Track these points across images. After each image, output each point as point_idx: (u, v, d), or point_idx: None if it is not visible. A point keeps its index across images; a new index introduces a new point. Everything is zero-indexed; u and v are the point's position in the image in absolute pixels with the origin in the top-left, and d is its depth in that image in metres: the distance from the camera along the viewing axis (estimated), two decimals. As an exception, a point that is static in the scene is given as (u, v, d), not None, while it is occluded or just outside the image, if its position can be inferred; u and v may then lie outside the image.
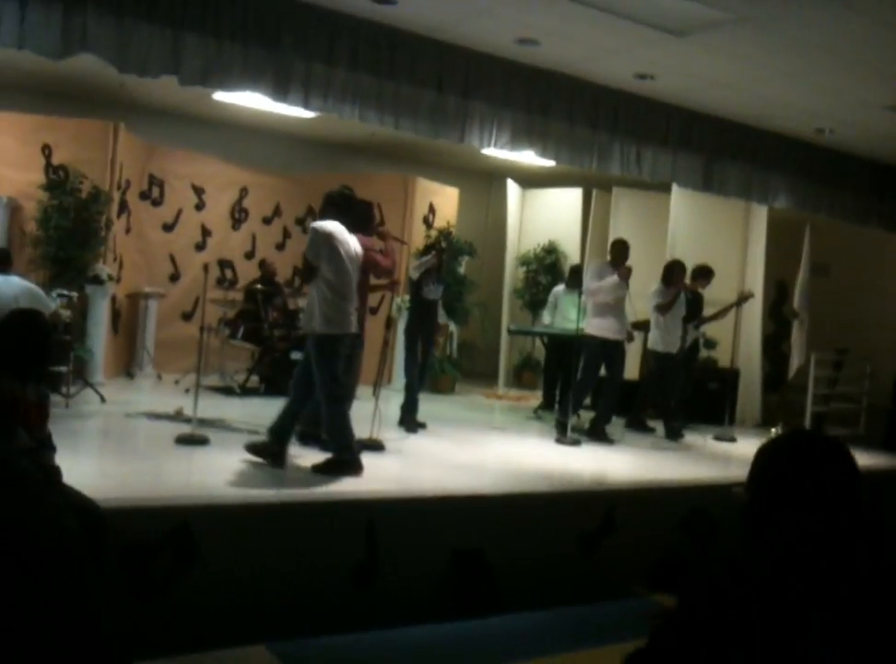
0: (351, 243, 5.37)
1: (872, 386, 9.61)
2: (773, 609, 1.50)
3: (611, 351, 7.51)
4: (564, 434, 7.28)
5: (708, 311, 8.66)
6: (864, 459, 8.18)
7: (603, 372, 7.70)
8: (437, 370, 9.38)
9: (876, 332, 10.11)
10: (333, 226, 5.29)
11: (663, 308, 8.03)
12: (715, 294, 8.82)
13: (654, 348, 8.25)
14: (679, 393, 8.32)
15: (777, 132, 7.94)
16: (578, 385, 7.63)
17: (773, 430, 9.05)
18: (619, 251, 7.61)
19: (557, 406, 9.03)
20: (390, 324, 6.70)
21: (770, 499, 1.61)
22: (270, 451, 5.26)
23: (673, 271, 8.15)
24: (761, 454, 1.67)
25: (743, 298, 8.62)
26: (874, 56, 5.87)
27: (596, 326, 7.51)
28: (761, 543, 1.61)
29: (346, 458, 5.20)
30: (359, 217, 5.75)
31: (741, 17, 5.33)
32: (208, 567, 4.00)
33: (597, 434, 7.46)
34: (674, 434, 7.97)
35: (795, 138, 8.08)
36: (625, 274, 7.42)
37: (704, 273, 8.58)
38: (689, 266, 8.69)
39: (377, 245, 6.21)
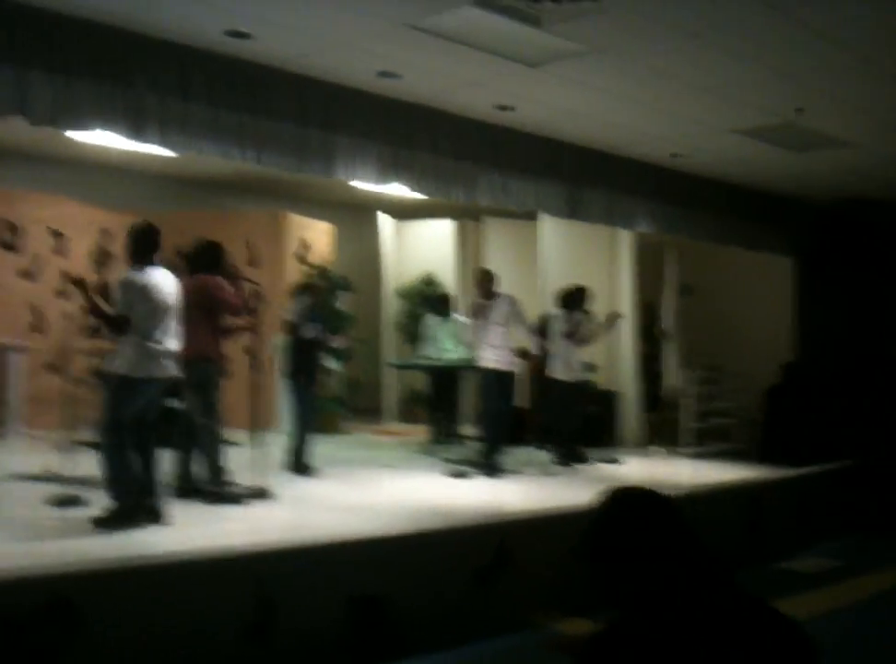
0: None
1: (745, 400, 9.97)
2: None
3: (500, 381, 7.51)
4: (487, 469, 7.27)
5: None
6: (742, 472, 8.52)
7: None
8: (321, 408, 9.22)
9: (745, 347, 10.51)
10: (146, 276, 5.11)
11: (572, 335, 8.13)
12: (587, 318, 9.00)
13: (556, 376, 8.26)
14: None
15: (635, 158, 8.23)
16: (485, 418, 7.63)
17: (654, 448, 9.28)
18: (482, 282, 7.66)
19: (444, 438, 9.02)
20: (256, 363, 6.47)
21: (615, 558, 1.69)
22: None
23: (574, 297, 8.28)
24: (596, 522, 1.75)
25: (612, 318, 8.75)
26: (719, 83, 6.16)
27: (481, 358, 7.56)
28: (621, 600, 1.69)
29: (126, 507, 4.97)
30: (209, 259, 5.94)
31: (593, 47, 5.51)
32: (93, 636, 3.75)
33: (491, 466, 7.41)
34: (577, 459, 8.02)
35: (652, 163, 8.38)
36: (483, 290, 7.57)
37: (575, 295, 8.79)
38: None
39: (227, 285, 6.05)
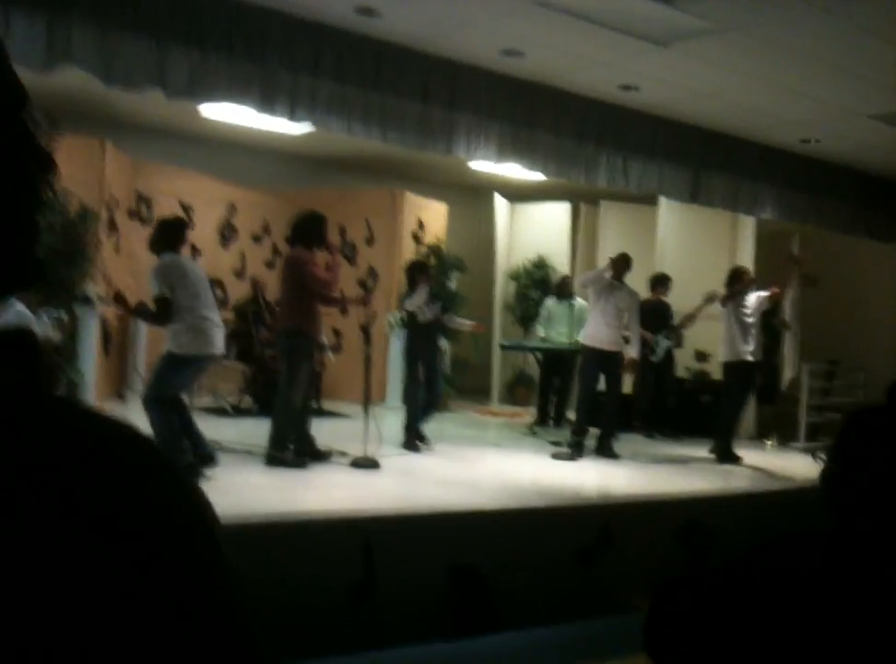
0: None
1: (866, 396, 9.59)
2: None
3: (607, 362, 7.41)
4: (571, 449, 7.23)
5: (677, 318, 8.62)
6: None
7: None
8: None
9: (867, 341, 10.11)
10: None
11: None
12: (679, 302, 8.77)
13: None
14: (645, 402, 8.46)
15: (763, 142, 7.98)
16: (577, 398, 7.57)
17: (768, 442, 9.02)
18: (620, 265, 7.44)
19: (552, 421, 9.01)
20: (368, 339, 6.59)
21: (858, 471, 1.51)
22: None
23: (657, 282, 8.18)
24: (855, 425, 1.56)
25: (709, 298, 8.14)
26: (859, 64, 5.90)
27: (589, 336, 7.45)
28: (844, 516, 1.52)
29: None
30: (306, 232, 5.99)
31: (724, 26, 5.36)
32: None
33: (604, 450, 7.32)
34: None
35: (780, 149, 8.11)
36: (618, 272, 7.36)
37: (661, 280, 8.61)
38: (679, 277, 8.70)
39: (321, 260, 6.13)
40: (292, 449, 5.98)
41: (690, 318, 8.37)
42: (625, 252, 7.64)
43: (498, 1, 5.22)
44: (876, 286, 10.40)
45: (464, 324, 7.85)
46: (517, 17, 5.45)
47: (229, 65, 5.26)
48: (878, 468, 1.49)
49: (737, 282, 7.67)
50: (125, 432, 0.63)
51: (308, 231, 6.02)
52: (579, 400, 7.58)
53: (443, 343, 10.04)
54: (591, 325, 7.46)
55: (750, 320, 7.63)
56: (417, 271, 7.19)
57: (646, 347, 8.44)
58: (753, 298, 7.73)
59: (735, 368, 7.66)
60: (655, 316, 8.37)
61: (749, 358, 7.64)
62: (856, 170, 8.79)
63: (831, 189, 8.66)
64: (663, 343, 8.56)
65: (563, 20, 5.40)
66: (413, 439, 7.04)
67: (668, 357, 8.79)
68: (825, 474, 1.54)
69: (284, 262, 6.09)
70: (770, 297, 7.81)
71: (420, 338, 7.11)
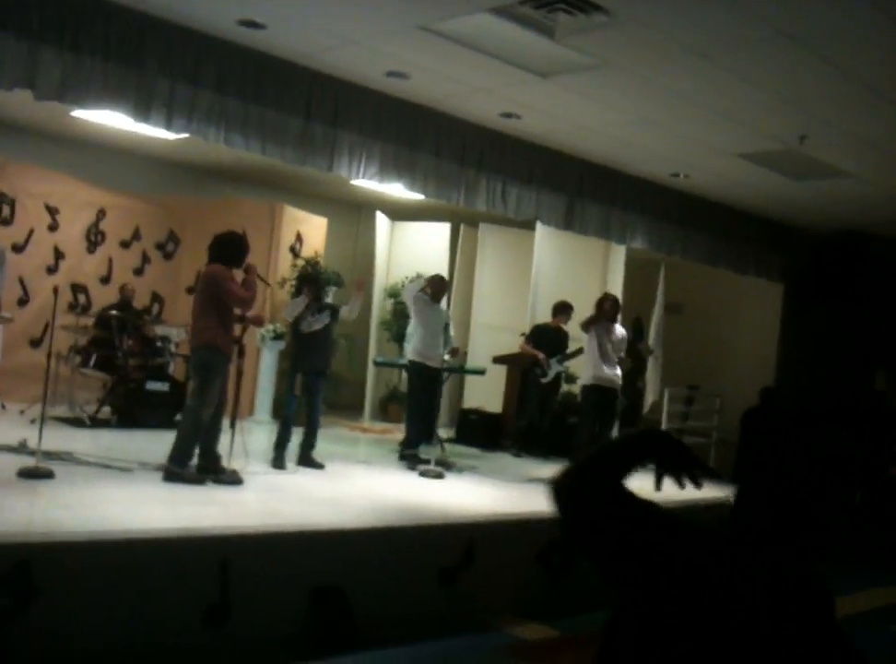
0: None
1: (721, 421, 10.05)
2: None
3: (432, 376, 7.73)
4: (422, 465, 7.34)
5: (572, 346, 8.86)
6: (714, 492, 8.53)
7: None
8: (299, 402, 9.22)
9: (725, 368, 10.61)
10: None
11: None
12: (576, 330, 9.04)
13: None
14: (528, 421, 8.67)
15: (636, 174, 8.28)
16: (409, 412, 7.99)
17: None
18: (436, 286, 7.96)
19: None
20: (242, 352, 6.51)
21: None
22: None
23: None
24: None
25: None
26: (725, 105, 6.20)
27: (415, 350, 7.86)
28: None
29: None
30: (226, 250, 6.04)
31: (603, 62, 5.54)
32: (50, 608, 3.75)
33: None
34: None
35: (652, 181, 8.43)
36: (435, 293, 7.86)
37: (563, 308, 8.82)
38: (551, 302, 8.91)
39: (238, 277, 6.15)
40: (194, 465, 5.90)
41: (581, 351, 8.57)
42: (440, 274, 8.23)
43: (385, 23, 5.24)
44: (735, 316, 10.93)
45: (353, 302, 7.54)
46: (402, 40, 5.48)
47: (104, 70, 5.08)
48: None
49: (597, 310, 7.97)
50: None
51: (228, 249, 6.05)
52: (410, 414, 7.94)
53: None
54: (416, 341, 7.85)
55: (609, 346, 7.88)
56: (302, 281, 7.40)
57: (538, 367, 8.67)
58: (619, 329, 8.02)
59: (590, 391, 7.91)
60: (553, 341, 8.60)
61: (605, 383, 7.88)
62: (723, 204, 9.22)
63: (699, 222, 9.06)
64: (555, 367, 8.77)
65: (447, 46, 5.47)
66: (281, 456, 6.92)
67: (556, 380, 9.02)
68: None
69: (202, 277, 6.10)
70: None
71: (303, 351, 7.02)
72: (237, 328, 6.31)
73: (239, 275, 6.12)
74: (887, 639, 5.91)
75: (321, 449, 7.25)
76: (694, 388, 10.24)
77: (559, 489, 1.74)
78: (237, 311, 6.10)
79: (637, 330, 10.63)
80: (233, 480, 5.91)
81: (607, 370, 7.85)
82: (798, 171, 7.68)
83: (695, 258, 9.31)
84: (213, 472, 5.94)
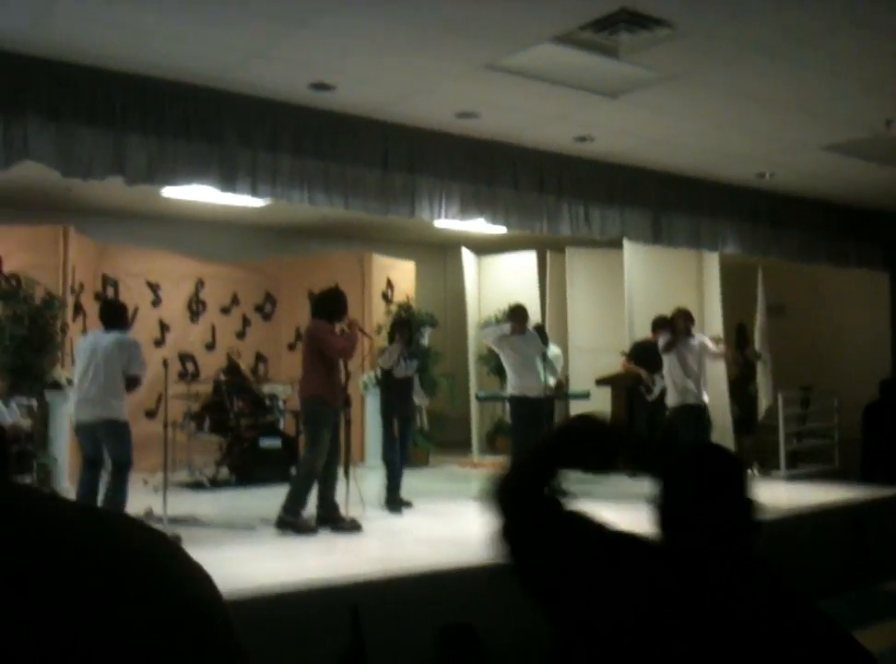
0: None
1: (841, 420, 9.69)
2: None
3: (534, 408, 7.65)
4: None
5: None
6: (842, 493, 8.20)
7: None
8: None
9: (839, 366, 10.24)
10: None
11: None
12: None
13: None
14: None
15: (719, 180, 8.13)
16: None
17: (749, 472, 9.04)
18: (517, 314, 7.90)
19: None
20: (348, 402, 6.65)
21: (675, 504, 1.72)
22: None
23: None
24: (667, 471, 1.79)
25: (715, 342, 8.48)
26: (801, 99, 6.05)
27: (512, 385, 7.83)
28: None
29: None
30: (327, 305, 6.32)
31: (670, 74, 5.49)
32: None
33: None
34: None
35: (737, 185, 8.27)
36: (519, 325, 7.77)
37: (662, 324, 8.66)
38: (649, 318, 8.78)
39: (336, 329, 6.33)
40: (312, 515, 6.07)
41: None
42: (517, 303, 8.14)
43: (449, 67, 5.32)
44: (842, 311, 10.56)
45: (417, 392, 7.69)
46: (469, 81, 5.55)
47: (187, 148, 5.31)
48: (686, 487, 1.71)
49: (673, 329, 7.89)
50: (89, 514, 0.64)
51: (329, 304, 6.31)
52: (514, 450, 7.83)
53: (420, 399, 10.06)
54: (511, 376, 7.83)
55: (691, 361, 7.77)
56: (395, 328, 7.46)
57: (643, 385, 8.57)
58: (695, 339, 7.92)
59: (681, 410, 7.80)
60: (655, 357, 8.41)
61: (693, 400, 7.75)
62: (814, 199, 8.96)
63: (791, 219, 8.82)
64: (660, 383, 8.61)
65: (515, 80, 5.51)
66: (396, 498, 7.00)
67: (662, 396, 8.85)
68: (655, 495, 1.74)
69: (305, 333, 6.41)
70: (714, 353, 8.06)
71: (395, 396, 7.17)
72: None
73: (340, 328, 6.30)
74: None
75: (435, 488, 7.31)
76: (808, 389, 9.90)
77: (488, 497, 1.77)
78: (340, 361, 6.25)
79: (741, 336, 10.37)
80: (353, 527, 6.01)
81: (692, 386, 7.74)
82: (887, 156, 7.42)
83: (791, 257, 9.06)
84: (332, 521, 6.05)
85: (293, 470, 6.28)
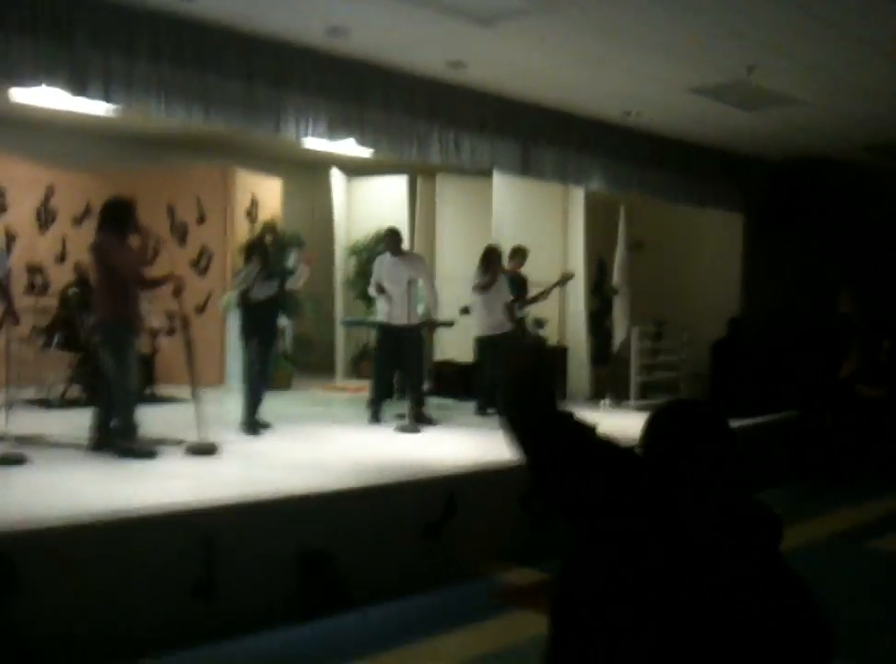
0: None
1: (690, 354, 10.16)
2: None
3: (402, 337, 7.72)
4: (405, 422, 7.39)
5: (533, 291, 8.89)
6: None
7: None
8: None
9: (691, 302, 10.68)
10: None
11: (478, 288, 8.16)
12: (540, 275, 9.07)
13: (477, 333, 8.39)
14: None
15: (589, 116, 8.22)
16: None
17: (602, 402, 9.44)
18: (390, 241, 7.93)
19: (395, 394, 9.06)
20: (186, 323, 6.45)
21: (659, 457, 1.87)
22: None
23: (489, 258, 8.27)
24: (650, 421, 1.95)
25: (565, 278, 9.02)
26: (670, 40, 6.14)
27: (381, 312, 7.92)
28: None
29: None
30: (113, 217, 5.87)
31: (544, 4, 5.46)
32: (33, 596, 3.76)
33: (419, 418, 7.58)
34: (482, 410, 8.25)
35: (605, 121, 8.39)
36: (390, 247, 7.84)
37: (518, 253, 8.82)
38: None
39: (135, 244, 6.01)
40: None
41: (544, 295, 8.87)
42: (391, 227, 8.16)
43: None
44: (698, 249, 10.98)
45: (301, 270, 7.47)
46: (340, -5, 5.38)
47: (35, 48, 4.95)
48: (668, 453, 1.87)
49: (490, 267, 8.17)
50: None
51: (115, 216, 5.87)
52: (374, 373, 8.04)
53: (284, 321, 9.91)
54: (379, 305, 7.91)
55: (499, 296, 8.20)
56: (250, 249, 7.27)
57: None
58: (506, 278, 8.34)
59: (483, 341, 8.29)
60: (512, 287, 8.53)
61: (497, 332, 8.17)
62: (678, 140, 9.18)
63: (656, 159, 9.02)
64: (516, 313, 8.75)
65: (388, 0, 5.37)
66: (253, 421, 6.93)
67: (520, 327, 9.01)
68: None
69: (91, 249, 5.90)
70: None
71: (255, 318, 7.02)
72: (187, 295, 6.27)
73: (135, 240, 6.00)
74: (866, 556, 6.09)
75: (298, 411, 7.29)
76: (661, 323, 10.31)
77: (506, 419, 1.94)
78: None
79: (601, 270, 10.68)
80: (205, 449, 5.88)
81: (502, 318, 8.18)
82: (750, 102, 7.66)
83: (653, 195, 9.32)
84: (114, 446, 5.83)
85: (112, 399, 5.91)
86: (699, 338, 10.04)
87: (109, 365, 5.82)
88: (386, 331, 7.82)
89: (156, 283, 6.27)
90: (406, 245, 10.57)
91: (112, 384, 5.82)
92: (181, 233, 9.88)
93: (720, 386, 9.58)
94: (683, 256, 10.94)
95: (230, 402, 7.67)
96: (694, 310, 10.54)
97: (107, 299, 5.78)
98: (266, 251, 7.32)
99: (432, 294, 8.02)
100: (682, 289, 10.76)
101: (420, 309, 8.17)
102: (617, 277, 9.93)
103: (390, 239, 7.92)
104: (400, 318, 7.68)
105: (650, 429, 1.91)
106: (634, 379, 9.57)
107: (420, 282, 7.92)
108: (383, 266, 7.83)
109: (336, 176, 10.84)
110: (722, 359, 9.94)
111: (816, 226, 10.10)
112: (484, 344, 8.32)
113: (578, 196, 10.00)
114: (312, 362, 10.76)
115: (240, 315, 7.30)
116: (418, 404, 7.64)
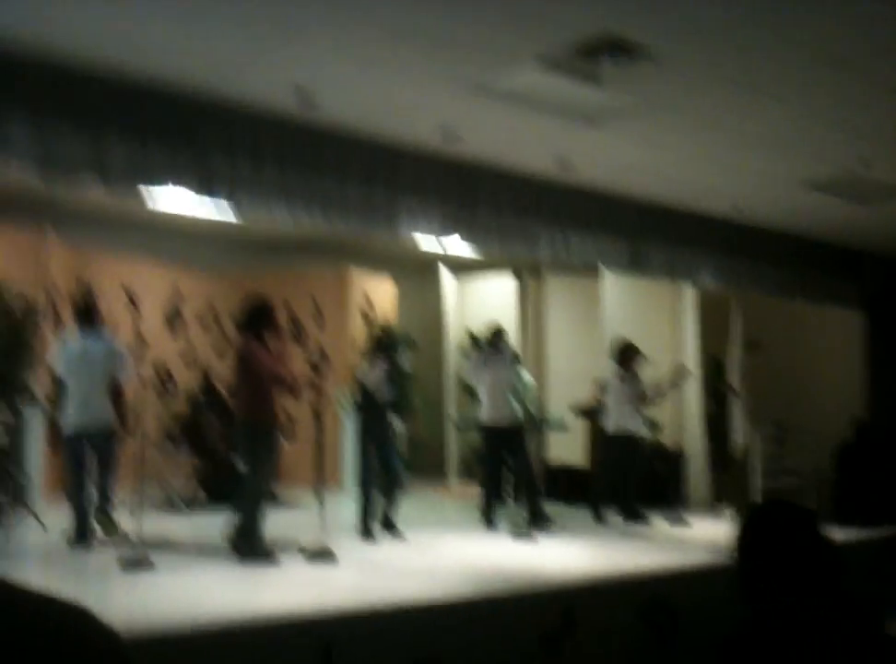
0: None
1: (816, 458, 9.71)
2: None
3: (507, 438, 7.63)
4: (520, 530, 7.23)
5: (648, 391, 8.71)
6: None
7: None
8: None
9: (812, 404, 10.27)
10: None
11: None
12: (652, 375, 8.90)
13: (609, 430, 8.24)
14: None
15: (697, 212, 8.20)
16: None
17: (726, 510, 9.03)
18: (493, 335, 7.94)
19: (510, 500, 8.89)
20: (320, 423, 6.46)
21: (756, 560, 1.91)
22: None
23: (625, 353, 8.23)
24: (747, 524, 2.00)
25: (678, 373, 8.64)
26: (779, 135, 6.15)
27: (484, 412, 7.78)
28: (756, 598, 1.90)
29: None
30: (255, 320, 6.00)
31: (651, 103, 5.56)
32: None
33: (536, 522, 7.43)
34: (636, 516, 7.97)
35: (715, 217, 8.34)
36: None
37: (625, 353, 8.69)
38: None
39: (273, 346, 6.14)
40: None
41: (661, 393, 8.54)
42: (497, 323, 8.18)
43: (436, 86, 5.37)
44: (819, 348, 10.62)
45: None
46: (453, 102, 5.61)
47: (168, 155, 5.32)
48: (764, 556, 1.90)
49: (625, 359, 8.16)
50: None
51: (256, 318, 6.00)
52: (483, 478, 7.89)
53: (397, 423, 9.96)
54: (484, 403, 7.79)
55: (633, 395, 8.14)
56: (378, 347, 7.25)
57: None
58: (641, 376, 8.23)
59: (618, 440, 8.10)
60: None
61: (632, 430, 8.10)
62: (790, 234, 9.05)
63: (768, 254, 8.89)
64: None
65: (498, 103, 5.57)
66: (369, 527, 6.86)
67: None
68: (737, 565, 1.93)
69: (234, 352, 6.09)
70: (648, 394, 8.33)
71: (374, 419, 7.01)
72: (311, 396, 6.35)
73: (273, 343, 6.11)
74: None
75: (409, 515, 7.23)
76: (782, 427, 9.91)
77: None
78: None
79: (716, 370, 10.40)
80: (324, 555, 5.81)
81: (633, 416, 8.13)
82: (863, 195, 7.52)
83: (767, 291, 9.13)
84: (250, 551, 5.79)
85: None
86: (824, 442, 9.60)
87: (245, 466, 5.93)
88: (492, 432, 7.73)
89: (293, 384, 6.24)
90: (515, 344, 10.62)
91: (246, 484, 5.89)
92: (299, 334, 10.17)
93: (848, 493, 9.10)
94: (802, 356, 10.61)
95: (349, 505, 7.67)
96: (815, 412, 10.12)
97: (246, 401, 5.91)
98: (395, 351, 7.34)
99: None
100: (803, 389, 10.39)
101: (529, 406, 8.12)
102: (733, 376, 9.67)
103: (495, 336, 7.90)
104: (505, 420, 7.61)
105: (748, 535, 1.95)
106: (759, 484, 9.17)
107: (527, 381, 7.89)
108: (483, 366, 7.80)
109: (446, 275, 10.99)
110: (848, 463, 9.46)
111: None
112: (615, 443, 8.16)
113: (689, 293, 9.87)
114: (424, 464, 10.75)
115: (359, 418, 7.28)
116: (533, 505, 7.50)
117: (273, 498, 6.13)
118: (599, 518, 8.03)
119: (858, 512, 8.43)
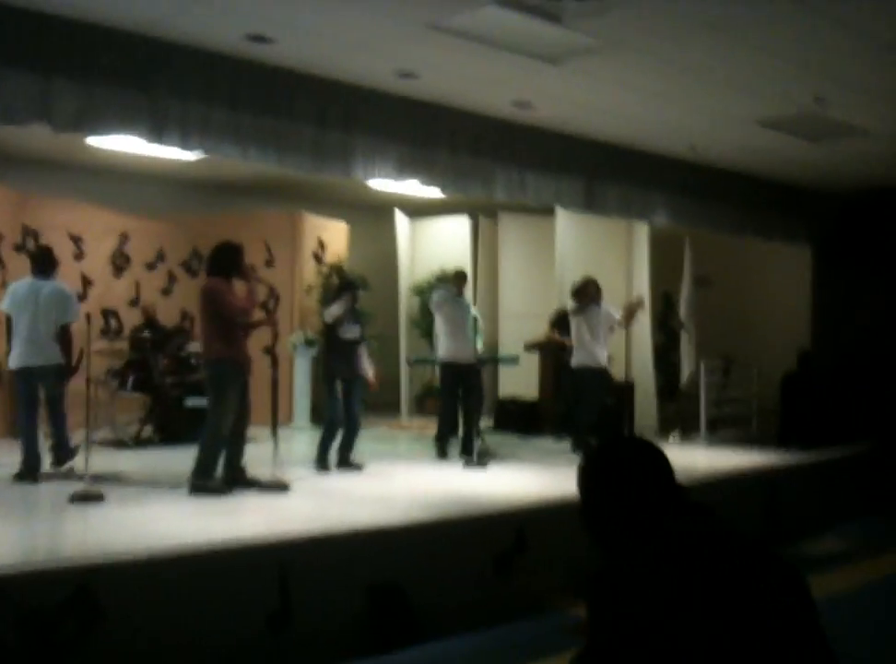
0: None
1: (759, 389, 9.99)
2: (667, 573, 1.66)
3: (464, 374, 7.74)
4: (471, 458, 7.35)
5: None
6: (759, 458, 8.50)
7: None
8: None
9: (759, 337, 10.52)
10: None
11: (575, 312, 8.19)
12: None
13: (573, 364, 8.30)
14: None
15: (653, 151, 8.22)
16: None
17: (671, 436, 9.30)
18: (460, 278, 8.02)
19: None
20: (275, 361, 6.54)
21: (600, 501, 1.93)
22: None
23: (586, 289, 8.23)
24: (582, 470, 2.02)
25: (637, 303, 8.56)
26: (737, 74, 6.14)
27: (444, 349, 7.87)
28: (600, 538, 1.92)
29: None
30: (222, 262, 6.01)
31: (612, 43, 5.51)
32: (115, 629, 3.81)
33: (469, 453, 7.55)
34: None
35: (670, 156, 8.38)
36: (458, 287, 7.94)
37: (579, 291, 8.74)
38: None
39: (239, 288, 6.16)
40: (219, 477, 5.92)
41: (624, 324, 8.55)
42: (461, 268, 8.22)
43: (391, 25, 5.23)
44: (765, 283, 10.83)
45: (367, 371, 7.36)
46: (411, 41, 5.47)
47: (117, 97, 5.13)
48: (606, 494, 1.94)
49: (582, 296, 8.11)
50: None
51: (224, 260, 6.01)
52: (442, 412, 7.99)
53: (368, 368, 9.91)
54: (443, 341, 7.86)
55: (599, 328, 8.12)
56: (342, 288, 7.24)
57: (567, 352, 8.57)
58: (603, 309, 8.19)
59: (586, 372, 8.13)
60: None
61: (596, 363, 8.10)
62: (743, 173, 9.12)
63: (721, 193, 8.97)
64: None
65: (456, 42, 5.45)
66: (325, 459, 6.95)
67: None
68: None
69: (201, 293, 6.06)
70: (616, 321, 8.32)
71: (339, 357, 6.98)
72: (264, 336, 6.35)
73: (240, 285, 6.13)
74: None
75: (363, 449, 7.31)
76: (730, 359, 10.16)
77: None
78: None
79: (667, 305, 10.58)
80: (278, 486, 5.92)
81: (597, 350, 8.09)
82: (817, 133, 7.59)
83: (719, 229, 9.24)
84: (238, 483, 5.93)
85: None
86: (768, 372, 9.86)
87: (209, 405, 5.96)
88: (452, 368, 7.85)
89: (258, 325, 6.46)
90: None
91: (207, 422, 5.94)
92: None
93: (791, 420, 9.39)
94: (750, 291, 10.81)
95: (299, 440, 7.73)
96: (762, 344, 10.38)
97: (215, 342, 5.89)
98: (358, 291, 7.25)
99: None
100: (750, 323, 10.62)
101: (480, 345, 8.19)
102: (683, 311, 9.84)
103: (460, 280, 8.00)
104: (465, 356, 7.72)
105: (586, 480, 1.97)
106: (703, 414, 9.43)
107: (479, 320, 7.96)
108: (447, 305, 7.87)
109: (400, 218, 10.97)
110: (792, 392, 9.74)
111: (888, 258, 9.90)
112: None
113: (642, 231, 9.96)
114: (376, 401, 10.80)
115: (323, 355, 7.27)
116: (478, 438, 7.62)
117: (246, 436, 6.11)
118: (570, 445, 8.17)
119: (799, 436, 8.72)
